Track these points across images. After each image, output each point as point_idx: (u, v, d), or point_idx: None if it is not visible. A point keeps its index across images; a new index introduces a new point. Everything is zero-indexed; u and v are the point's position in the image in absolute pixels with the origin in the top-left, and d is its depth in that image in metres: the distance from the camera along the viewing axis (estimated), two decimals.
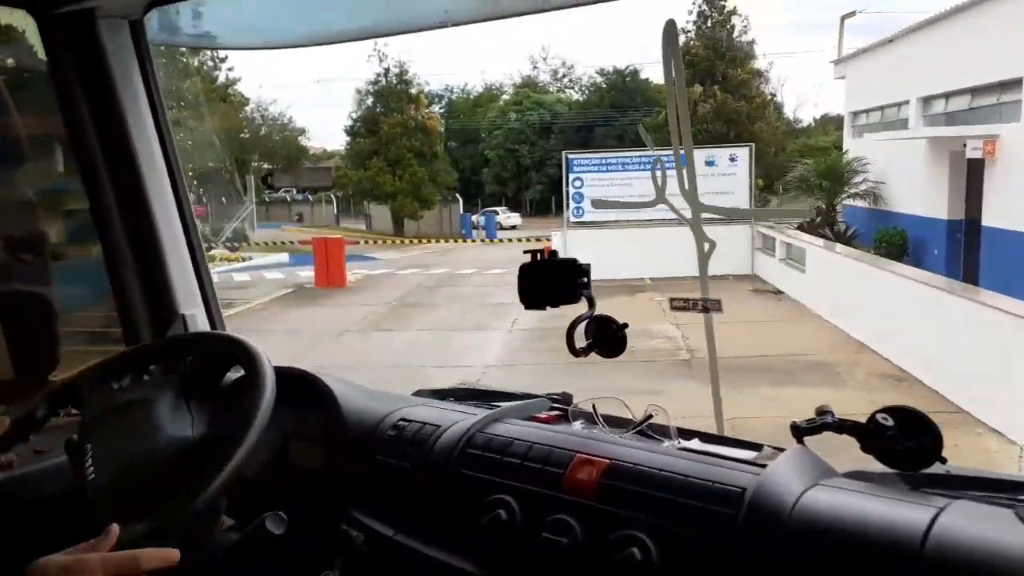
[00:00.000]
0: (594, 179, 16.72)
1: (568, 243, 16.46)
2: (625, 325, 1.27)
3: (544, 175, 43.96)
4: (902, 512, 0.87)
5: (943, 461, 0.97)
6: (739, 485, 0.98)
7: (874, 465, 1.01)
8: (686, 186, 1.47)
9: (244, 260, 22.05)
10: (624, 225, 16.61)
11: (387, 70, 33.94)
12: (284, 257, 23.21)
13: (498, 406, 1.37)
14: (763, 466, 1.02)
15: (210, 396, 1.21)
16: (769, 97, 30.69)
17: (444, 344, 11.31)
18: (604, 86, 46.03)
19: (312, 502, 1.30)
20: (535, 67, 52.70)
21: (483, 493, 1.14)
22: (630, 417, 1.27)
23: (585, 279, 1.28)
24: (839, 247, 12.27)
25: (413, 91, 34.60)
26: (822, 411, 1.08)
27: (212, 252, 22.55)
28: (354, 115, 34.52)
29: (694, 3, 30.52)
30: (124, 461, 1.08)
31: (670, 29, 1.31)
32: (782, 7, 65.08)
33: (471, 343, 11.41)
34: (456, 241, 32.34)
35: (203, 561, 1.07)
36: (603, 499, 1.06)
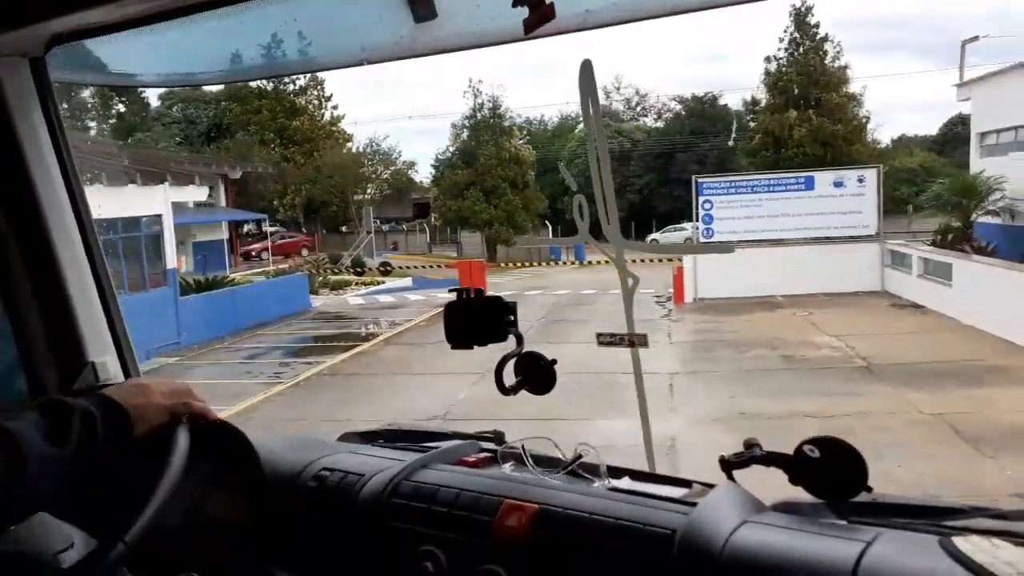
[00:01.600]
0: (723, 201, 17.54)
1: (699, 263, 17.27)
2: (554, 361, 1.28)
3: (624, 201, 44.93)
4: (830, 547, 0.89)
5: (868, 490, 0.98)
6: (669, 527, 0.98)
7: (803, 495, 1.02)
8: (608, 223, 1.54)
9: (378, 284, 23.53)
10: (752, 245, 17.32)
11: (482, 105, 35.46)
12: (408, 281, 24.64)
13: (429, 446, 1.35)
14: (693, 504, 1.02)
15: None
16: (864, 120, 31.08)
17: (615, 355, 12.16)
18: (683, 113, 46.87)
19: (230, 559, 1.25)
20: (608, 96, 53.72)
21: (410, 545, 1.12)
22: (560, 457, 1.25)
23: (512, 316, 1.27)
24: (993, 260, 12.80)
25: (506, 124, 36.04)
26: (749, 444, 1.09)
27: (347, 276, 24.08)
28: (450, 148, 36.21)
29: (785, 31, 31.30)
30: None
31: (586, 68, 1.33)
32: (850, 30, 65.20)
33: (641, 354, 12.24)
34: (546, 265, 33.40)
35: None
36: (533, 546, 1.05)
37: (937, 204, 16.53)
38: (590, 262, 29.97)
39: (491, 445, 1.37)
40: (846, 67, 30.62)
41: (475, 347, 1.28)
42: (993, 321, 11.66)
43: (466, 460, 1.29)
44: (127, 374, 1.64)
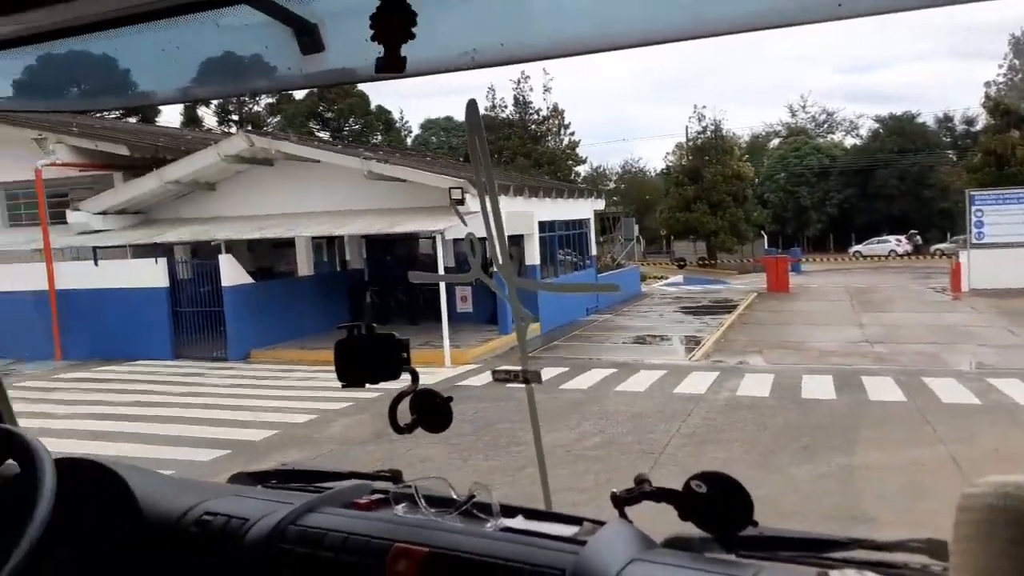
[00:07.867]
0: (992, 210, 21.68)
1: (972, 260, 21.52)
2: (450, 398, 1.26)
3: (823, 214, 48.33)
4: None
5: (755, 524, 1.01)
6: (558, 566, 0.98)
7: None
8: (499, 261, 1.45)
9: (662, 279, 29.11)
10: (1017, 248, 21.35)
11: (705, 128, 40.31)
12: (679, 278, 30.00)
13: (323, 487, 1.33)
14: (583, 543, 1.03)
15: None
16: None
17: (942, 316, 16.64)
18: (882, 131, 49.63)
19: None
20: (794, 115, 57.03)
21: None
22: (454, 496, 1.22)
23: (405, 354, 1.25)
24: None
25: (727, 145, 40.68)
26: (640, 480, 1.10)
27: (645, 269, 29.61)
28: (675, 167, 41.42)
29: (1004, 57, 34.52)
30: None
31: (471, 108, 1.28)
32: None
33: (977, 314, 16.65)
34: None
35: None
36: None
37: None
38: (805, 270, 33.83)
39: (386, 485, 1.34)
40: None
41: (368, 385, 1.28)
42: None
43: (358, 503, 1.27)
44: None
